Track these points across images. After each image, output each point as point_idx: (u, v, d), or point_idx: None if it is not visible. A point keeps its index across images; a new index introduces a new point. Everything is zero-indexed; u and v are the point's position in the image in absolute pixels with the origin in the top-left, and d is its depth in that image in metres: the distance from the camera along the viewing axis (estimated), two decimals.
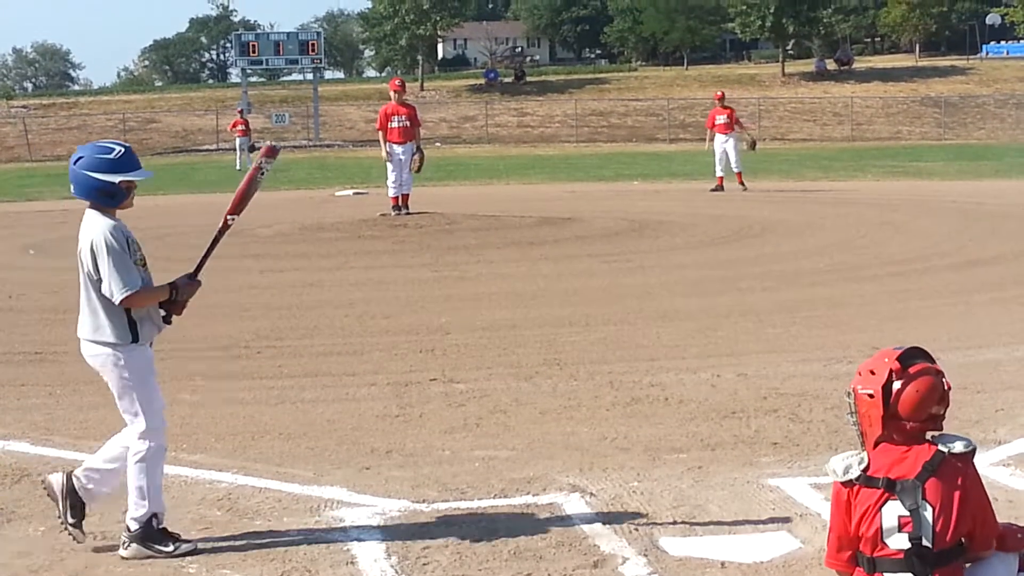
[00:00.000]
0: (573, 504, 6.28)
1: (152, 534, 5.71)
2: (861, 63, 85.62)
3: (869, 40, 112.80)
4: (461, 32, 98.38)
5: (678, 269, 15.51)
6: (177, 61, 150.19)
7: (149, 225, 22.61)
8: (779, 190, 28.43)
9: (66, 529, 5.77)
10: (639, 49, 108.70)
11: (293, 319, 12.13)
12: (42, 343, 11.01)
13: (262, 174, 6.02)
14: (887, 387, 4.52)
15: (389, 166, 21.51)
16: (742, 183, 27.28)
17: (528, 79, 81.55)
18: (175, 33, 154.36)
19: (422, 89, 76.33)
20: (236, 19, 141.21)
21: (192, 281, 5.81)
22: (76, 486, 5.76)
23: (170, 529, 5.78)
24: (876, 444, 4.56)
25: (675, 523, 5.95)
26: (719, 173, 27.68)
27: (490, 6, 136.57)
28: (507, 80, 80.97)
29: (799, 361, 9.67)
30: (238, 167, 40.60)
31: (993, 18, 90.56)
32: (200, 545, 5.78)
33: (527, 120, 68.41)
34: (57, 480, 5.78)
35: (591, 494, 6.41)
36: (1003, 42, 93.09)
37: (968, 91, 71.70)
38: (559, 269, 15.49)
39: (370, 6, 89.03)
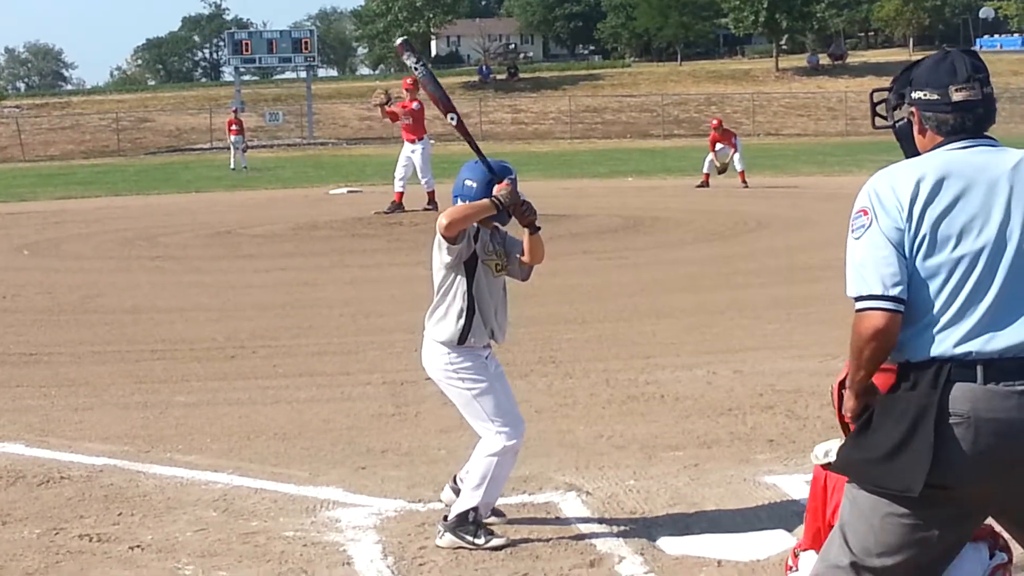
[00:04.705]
0: (569, 503, 6.27)
1: (466, 526, 5.64)
2: (855, 57, 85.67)
3: (863, 34, 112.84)
4: (454, 29, 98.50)
5: (673, 265, 15.51)
6: (170, 60, 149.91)
7: (142, 224, 22.62)
8: (773, 185, 28.44)
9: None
10: (632, 45, 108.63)
11: (288, 318, 12.10)
12: (37, 344, 10.93)
13: None
14: None
15: (401, 160, 21.98)
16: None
17: (522, 76, 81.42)
18: (168, 32, 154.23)
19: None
20: (229, 17, 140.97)
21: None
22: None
23: (169, 530, 5.74)
24: None
25: (671, 521, 5.94)
26: (706, 170, 27.99)
27: (483, 3, 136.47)
28: (501, 77, 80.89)
29: (795, 357, 9.65)
30: (232, 166, 40.54)
31: (986, 12, 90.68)
32: (195, 547, 5.75)
33: (521, 117, 68.34)
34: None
35: (587, 492, 6.40)
36: (996, 36, 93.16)
37: None
38: (554, 266, 15.36)
39: (363, 3, 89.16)
